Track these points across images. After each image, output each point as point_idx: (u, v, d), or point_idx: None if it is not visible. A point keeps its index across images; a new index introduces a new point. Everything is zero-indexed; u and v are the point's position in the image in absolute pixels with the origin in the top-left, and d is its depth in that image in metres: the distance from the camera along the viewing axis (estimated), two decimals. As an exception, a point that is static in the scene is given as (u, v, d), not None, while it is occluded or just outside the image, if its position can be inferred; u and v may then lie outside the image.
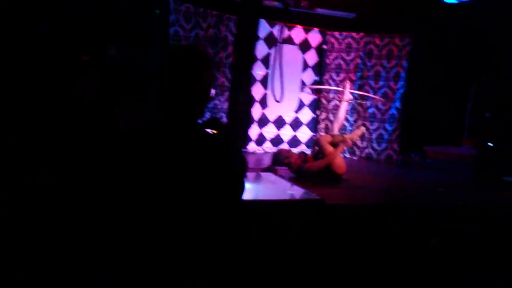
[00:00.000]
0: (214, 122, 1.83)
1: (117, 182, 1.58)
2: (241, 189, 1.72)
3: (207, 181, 1.56)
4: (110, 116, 2.37)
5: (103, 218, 1.61)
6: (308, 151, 7.12)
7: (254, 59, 6.31)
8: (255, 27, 4.50)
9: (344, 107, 5.53)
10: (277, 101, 5.71)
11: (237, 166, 1.67)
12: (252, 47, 4.16)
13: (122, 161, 1.60)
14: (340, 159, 4.91)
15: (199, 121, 1.91)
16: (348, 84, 5.90)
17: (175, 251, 1.53)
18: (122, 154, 1.61)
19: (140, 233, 1.54)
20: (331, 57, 7.15)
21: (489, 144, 5.48)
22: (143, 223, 1.54)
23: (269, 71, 6.78)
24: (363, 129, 5.50)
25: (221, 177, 1.58)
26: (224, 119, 6.03)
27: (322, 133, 7.10)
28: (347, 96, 5.64)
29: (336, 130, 5.40)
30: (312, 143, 7.27)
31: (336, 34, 7.11)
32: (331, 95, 7.14)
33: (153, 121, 1.67)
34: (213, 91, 1.75)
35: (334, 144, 4.91)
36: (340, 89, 6.10)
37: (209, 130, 1.77)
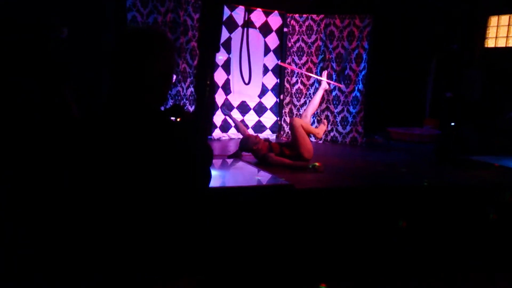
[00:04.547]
0: (177, 109, 1.73)
1: (71, 171, 1.52)
2: (206, 176, 1.64)
3: (163, 169, 1.48)
4: (60, 97, 2.24)
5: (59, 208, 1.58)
6: (273, 136, 7.11)
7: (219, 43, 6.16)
8: (221, 9, 4.34)
9: (320, 95, 5.53)
10: (246, 84, 5.64)
11: (197, 153, 1.58)
12: (219, 31, 4.00)
13: (76, 150, 1.52)
14: (309, 143, 4.89)
15: (161, 108, 1.82)
16: (325, 73, 5.90)
17: (127, 241, 1.46)
18: (77, 143, 1.53)
19: (92, 225, 1.48)
20: (293, 40, 7.08)
21: (452, 124, 5.55)
22: (96, 212, 1.47)
23: (231, 56, 6.67)
24: (325, 122, 5.66)
25: (178, 164, 1.50)
26: (188, 107, 5.88)
27: (287, 118, 7.06)
28: (325, 84, 5.65)
29: (309, 116, 5.40)
30: (277, 128, 7.23)
31: (296, 16, 7.04)
32: (294, 79, 7.09)
33: (107, 108, 1.57)
34: (173, 77, 1.67)
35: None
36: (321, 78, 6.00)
37: (172, 118, 1.68)
